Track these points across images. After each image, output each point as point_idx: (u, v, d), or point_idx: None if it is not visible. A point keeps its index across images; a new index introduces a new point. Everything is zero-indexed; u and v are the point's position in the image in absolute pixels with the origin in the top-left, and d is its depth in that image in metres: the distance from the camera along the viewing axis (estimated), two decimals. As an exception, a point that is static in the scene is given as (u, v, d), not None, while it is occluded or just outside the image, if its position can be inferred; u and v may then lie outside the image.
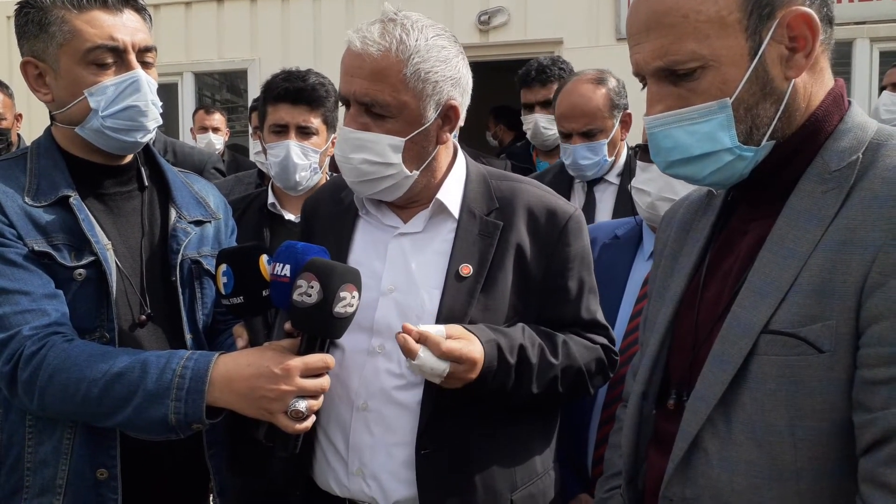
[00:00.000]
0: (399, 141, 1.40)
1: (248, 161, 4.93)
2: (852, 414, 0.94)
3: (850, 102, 1.08)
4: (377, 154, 1.40)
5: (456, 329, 1.35)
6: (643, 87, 1.10)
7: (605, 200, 2.77)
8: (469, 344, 1.33)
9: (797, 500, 0.97)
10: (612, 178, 2.79)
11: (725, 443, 1.02)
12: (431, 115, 1.42)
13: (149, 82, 1.46)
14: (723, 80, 1.01)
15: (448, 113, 1.45)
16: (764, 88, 1.02)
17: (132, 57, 1.43)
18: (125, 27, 1.42)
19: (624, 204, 2.70)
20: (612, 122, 2.71)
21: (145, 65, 1.47)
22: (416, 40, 1.36)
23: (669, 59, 1.02)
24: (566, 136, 2.73)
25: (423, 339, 1.29)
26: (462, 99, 1.47)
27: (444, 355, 1.29)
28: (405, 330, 1.29)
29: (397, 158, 1.41)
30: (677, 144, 1.06)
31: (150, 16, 1.51)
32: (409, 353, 1.29)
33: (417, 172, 1.45)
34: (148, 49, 1.47)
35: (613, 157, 2.73)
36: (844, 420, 0.94)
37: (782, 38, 1.01)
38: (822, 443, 0.96)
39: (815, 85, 1.06)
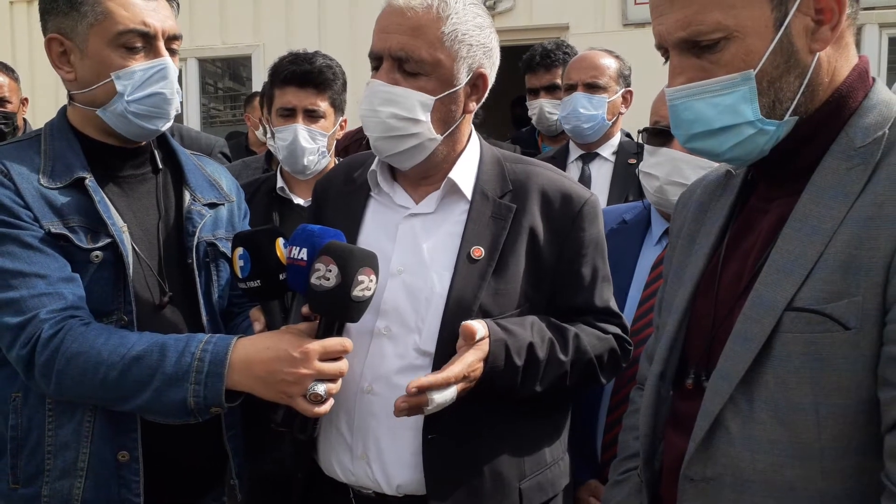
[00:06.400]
0: (429, 99, 1.40)
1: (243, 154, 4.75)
2: (878, 391, 0.93)
3: (874, 79, 1.07)
4: (406, 109, 1.39)
5: (466, 330, 1.33)
6: (665, 61, 1.08)
7: (601, 178, 2.76)
8: (467, 356, 1.31)
9: (821, 478, 0.97)
10: (608, 155, 2.79)
11: (748, 421, 1.01)
12: (463, 78, 1.42)
13: (174, 71, 1.46)
14: (746, 51, 0.99)
15: (477, 81, 1.45)
16: (788, 61, 1.00)
17: (161, 44, 1.44)
18: (157, 13, 1.43)
19: (619, 182, 2.70)
20: (615, 88, 2.73)
21: (171, 53, 1.47)
22: (457, 2, 1.38)
23: (693, 30, 1.00)
24: (570, 88, 2.73)
25: (424, 389, 1.26)
26: (491, 71, 1.47)
27: (451, 383, 1.28)
28: (408, 391, 1.26)
29: (425, 116, 1.40)
30: (699, 117, 1.04)
31: (178, 4, 1.52)
32: (420, 409, 1.28)
33: (441, 137, 1.44)
34: (175, 37, 1.48)
35: (610, 124, 2.74)
36: (870, 397, 0.94)
37: (808, 10, 0.99)
38: (847, 420, 0.95)
39: (839, 60, 1.04)
